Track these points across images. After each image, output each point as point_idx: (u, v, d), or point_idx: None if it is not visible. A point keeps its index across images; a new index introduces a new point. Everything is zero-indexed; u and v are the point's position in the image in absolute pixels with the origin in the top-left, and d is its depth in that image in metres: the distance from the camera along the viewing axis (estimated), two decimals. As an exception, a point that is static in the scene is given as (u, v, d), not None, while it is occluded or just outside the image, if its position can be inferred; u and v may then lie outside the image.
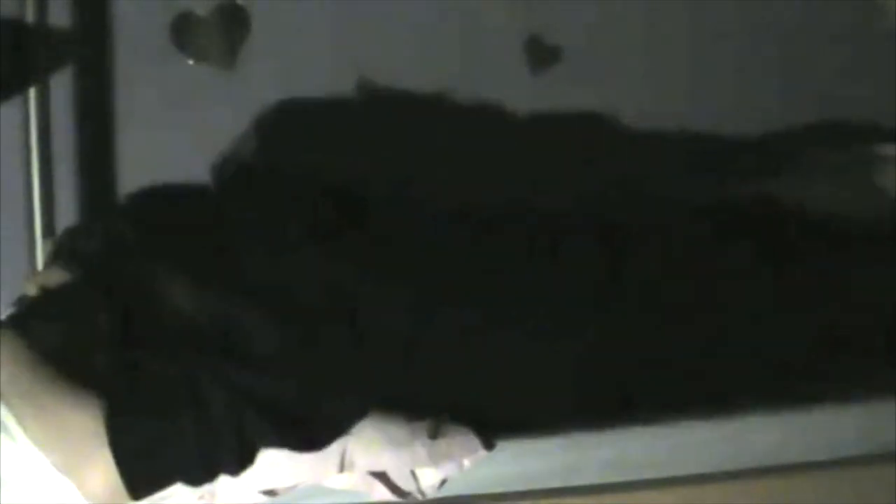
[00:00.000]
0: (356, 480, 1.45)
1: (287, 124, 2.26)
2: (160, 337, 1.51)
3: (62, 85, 2.19)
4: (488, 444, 1.48)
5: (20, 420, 1.39)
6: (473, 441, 1.48)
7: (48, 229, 2.13)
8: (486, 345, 1.55)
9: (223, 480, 1.41)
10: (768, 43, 2.49)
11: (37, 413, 1.39)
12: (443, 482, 1.48)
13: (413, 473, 1.47)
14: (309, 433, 1.42)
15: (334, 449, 1.43)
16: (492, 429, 1.50)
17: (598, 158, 2.38)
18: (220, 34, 2.25)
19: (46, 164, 2.13)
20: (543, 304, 1.60)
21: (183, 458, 1.37)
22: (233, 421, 1.38)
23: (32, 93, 2.09)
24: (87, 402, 1.38)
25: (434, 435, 1.47)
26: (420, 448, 1.45)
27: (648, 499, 1.55)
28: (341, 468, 1.43)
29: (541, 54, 2.39)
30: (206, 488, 1.40)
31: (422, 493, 1.47)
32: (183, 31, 2.24)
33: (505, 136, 2.37)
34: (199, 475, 1.39)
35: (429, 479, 1.47)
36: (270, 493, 1.44)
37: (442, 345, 1.53)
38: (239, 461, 1.40)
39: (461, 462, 1.47)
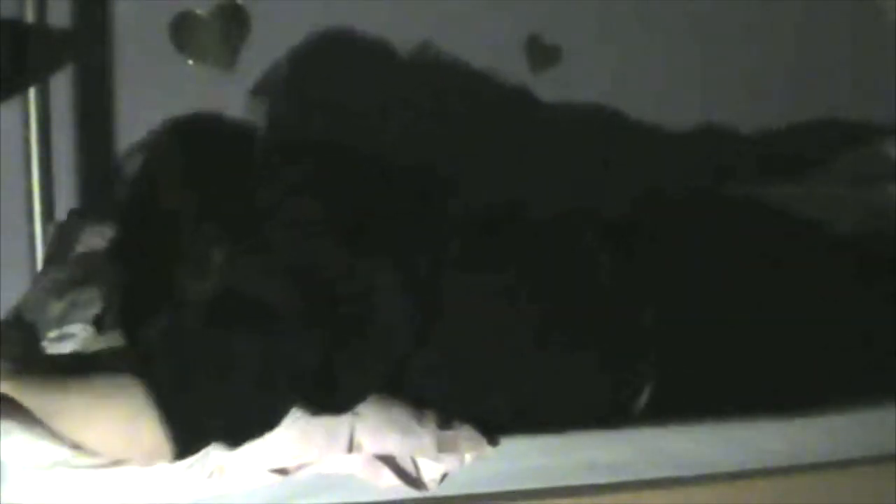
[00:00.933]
0: (363, 464, 1.45)
1: (325, 59, 2.25)
2: (189, 294, 1.54)
3: (62, 85, 2.20)
4: (492, 441, 1.49)
5: (59, 435, 1.40)
6: (478, 436, 1.48)
7: (48, 229, 2.13)
8: (496, 340, 1.56)
9: (233, 458, 1.41)
10: (769, 43, 2.49)
11: (70, 420, 1.40)
12: (443, 477, 1.48)
13: (415, 465, 1.47)
14: (332, 398, 1.45)
15: (343, 429, 1.44)
16: (496, 424, 1.51)
17: (610, 155, 2.39)
18: (220, 34, 2.25)
19: (46, 163, 2.13)
20: (555, 299, 1.60)
21: (223, 418, 1.40)
22: (266, 383, 1.41)
23: (32, 93, 2.09)
24: (119, 384, 1.40)
25: (441, 425, 1.47)
26: (427, 436, 1.45)
27: (649, 499, 1.56)
28: (349, 449, 1.44)
29: (541, 54, 2.40)
30: (215, 465, 1.41)
31: (423, 485, 1.47)
32: (183, 31, 2.24)
33: (529, 130, 2.38)
34: (237, 436, 1.41)
35: (430, 472, 1.47)
36: (280, 471, 1.44)
37: (451, 336, 1.54)
38: (270, 423, 1.42)
39: (463, 457, 1.47)
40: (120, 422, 1.39)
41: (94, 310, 1.66)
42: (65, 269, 1.91)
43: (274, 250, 1.53)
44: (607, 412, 1.56)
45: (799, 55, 2.50)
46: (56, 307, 1.69)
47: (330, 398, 1.45)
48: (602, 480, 1.54)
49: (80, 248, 2.00)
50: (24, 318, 1.70)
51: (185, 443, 1.39)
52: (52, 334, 1.64)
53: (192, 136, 1.70)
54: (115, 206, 1.69)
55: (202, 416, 1.39)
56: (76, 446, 1.40)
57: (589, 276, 1.64)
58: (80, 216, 2.14)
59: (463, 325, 1.55)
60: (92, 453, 1.40)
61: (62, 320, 1.66)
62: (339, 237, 1.54)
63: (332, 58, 2.27)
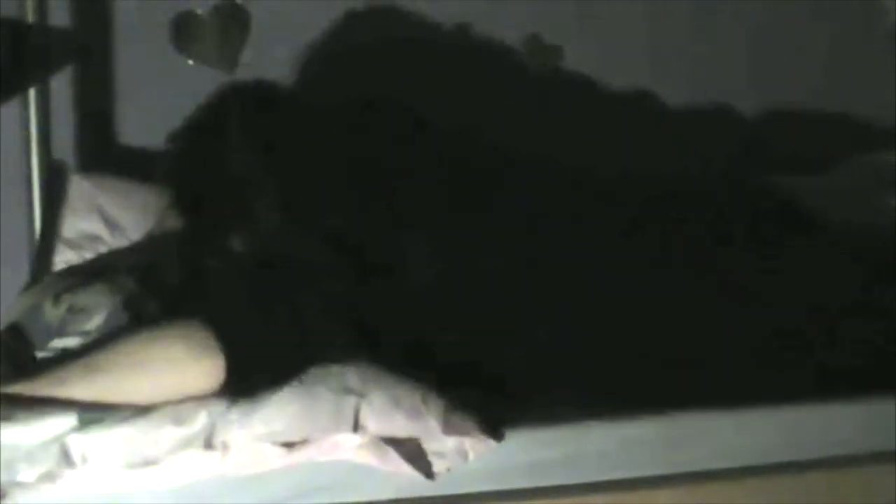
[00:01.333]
0: (368, 447, 1.45)
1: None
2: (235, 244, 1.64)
3: (62, 85, 2.19)
4: (497, 435, 1.49)
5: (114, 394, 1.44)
6: (485, 429, 1.48)
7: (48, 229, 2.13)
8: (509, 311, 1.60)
9: (237, 433, 1.42)
10: (769, 43, 2.49)
11: (109, 375, 1.44)
12: (447, 471, 1.48)
13: (423, 453, 1.48)
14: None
15: (348, 409, 1.45)
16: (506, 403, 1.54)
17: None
18: (220, 34, 2.25)
19: (46, 163, 2.13)
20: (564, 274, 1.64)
21: (267, 351, 1.47)
22: (305, 327, 1.50)
23: (32, 93, 2.09)
24: (164, 330, 1.47)
25: (447, 409, 1.48)
26: (433, 419, 1.46)
27: (648, 498, 1.56)
28: (355, 428, 1.44)
29: (541, 54, 2.40)
30: (219, 440, 1.42)
31: (431, 472, 1.47)
32: (183, 31, 2.24)
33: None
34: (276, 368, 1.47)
35: (435, 467, 1.47)
36: (285, 445, 1.45)
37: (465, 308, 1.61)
38: (301, 364, 1.48)
39: (466, 452, 1.47)
40: (174, 356, 1.44)
41: (94, 320, 1.64)
42: (62, 272, 1.91)
43: (313, 217, 1.62)
44: (605, 393, 1.59)
45: (799, 55, 2.50)
46: (52, 314, 1.67)
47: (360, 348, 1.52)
48: (598, 475, 1.54)
49: (69, 221, 2.02)
50: (21, 329, 1.67)
51: (238, 366, 1.43)
52: (51, 345, 1.62)
53: (253, 99, 1.79)
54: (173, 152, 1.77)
55: (250, 347, 1.45)
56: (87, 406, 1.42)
57: (601, 251, 1.67)
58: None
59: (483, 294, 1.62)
60: (130, 401, 1.43)
61: (60, 330, 1.64)
62: (374, 202, 1.61)
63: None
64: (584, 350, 1.61)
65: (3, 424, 1.39)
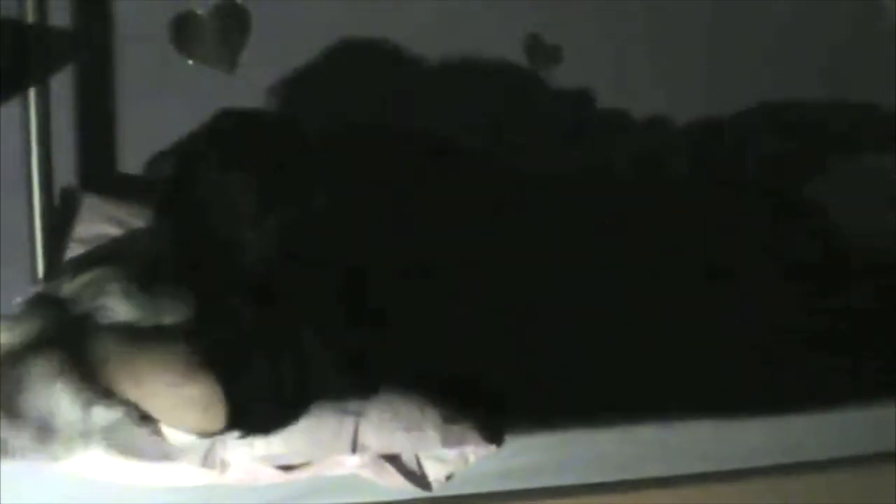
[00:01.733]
0: (368, 464, 1.45)
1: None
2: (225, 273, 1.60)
3: (62, 85, 2.20)
4: (497, 440, 1.49)
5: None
6: (484, 434, 1.48)
7: (48, 229, 2.13)
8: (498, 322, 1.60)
9: (237, 454, 1.42)
10: (769, 43, 2.50)
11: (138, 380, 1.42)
12: (449, 477, 1.48)
13: (420, 465, 1.47)
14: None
15: (346, 429, 1.45)
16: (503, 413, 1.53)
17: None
18: (220, 34, 2.25)
19: (46, 164, 2.13)
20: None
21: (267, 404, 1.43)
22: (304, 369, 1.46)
23: (32, 93, 2.09)
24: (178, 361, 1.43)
25: (446, 420, 1.48)
26: (431, 430, 1.46)
27: (648, 498, 1.56)
28: (354, 449, 1.44)
29: (541, 54, 2.40)
30: (217, 459, 1.41)
31: (428, 484, 1.47)
32: (183, 31, 2.24)
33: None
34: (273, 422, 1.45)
35: (436, 472, 1.47)
36: (285, 468, 1.45)
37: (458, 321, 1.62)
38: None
39: (468, 458, 1.48)
40: (178, 401, 1.39)
41: (111, 286, 1.65)
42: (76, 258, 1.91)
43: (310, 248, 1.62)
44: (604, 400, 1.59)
45: (798, 55, 2.50)
46: (68, 288, 1.68)
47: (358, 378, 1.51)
48: (596, 478, 1.54)
49: (81, 228, 2.01)
50: (48, 296, 1.69)
51: (240, 413, 1.40)
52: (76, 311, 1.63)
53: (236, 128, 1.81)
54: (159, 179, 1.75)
55: (254, 393, 1.42)
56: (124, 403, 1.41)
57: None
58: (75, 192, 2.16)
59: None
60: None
61: (75, 302, 1.65)
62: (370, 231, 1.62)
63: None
64: (579, 357, 1.61)
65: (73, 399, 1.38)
